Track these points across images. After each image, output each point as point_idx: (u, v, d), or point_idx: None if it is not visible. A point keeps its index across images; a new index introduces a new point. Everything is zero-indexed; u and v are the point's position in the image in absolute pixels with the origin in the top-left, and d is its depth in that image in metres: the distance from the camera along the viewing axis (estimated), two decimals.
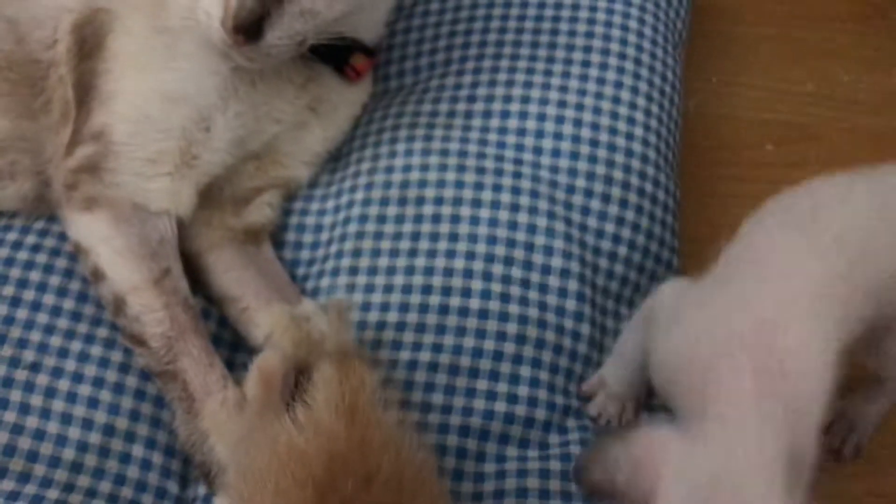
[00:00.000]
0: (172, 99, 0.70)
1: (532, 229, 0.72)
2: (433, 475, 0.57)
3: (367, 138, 0.79)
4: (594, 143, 0.76)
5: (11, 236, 0.73)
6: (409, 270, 0.72)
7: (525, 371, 0.68)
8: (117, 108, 0.70)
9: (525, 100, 0.78)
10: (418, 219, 0.74)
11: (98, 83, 0.71)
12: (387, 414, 0.57)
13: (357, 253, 0.74)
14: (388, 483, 0.52)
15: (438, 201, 0.74)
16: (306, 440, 0.54)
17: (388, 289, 0.72)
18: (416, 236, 0.73)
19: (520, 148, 0.76)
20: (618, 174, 0.75)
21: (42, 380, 0.67)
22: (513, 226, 0.72)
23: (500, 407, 0.68)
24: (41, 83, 0.71)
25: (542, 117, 0.77)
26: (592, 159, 0.76)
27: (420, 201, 0.74)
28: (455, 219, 0.73)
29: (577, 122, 0.77)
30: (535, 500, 0.65)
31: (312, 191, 0.79)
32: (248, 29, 0.63)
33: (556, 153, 0.76)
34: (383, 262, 0.73)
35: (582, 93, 0.78)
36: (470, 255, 0.72)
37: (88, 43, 0.71)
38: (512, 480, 0.65)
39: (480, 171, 0.75)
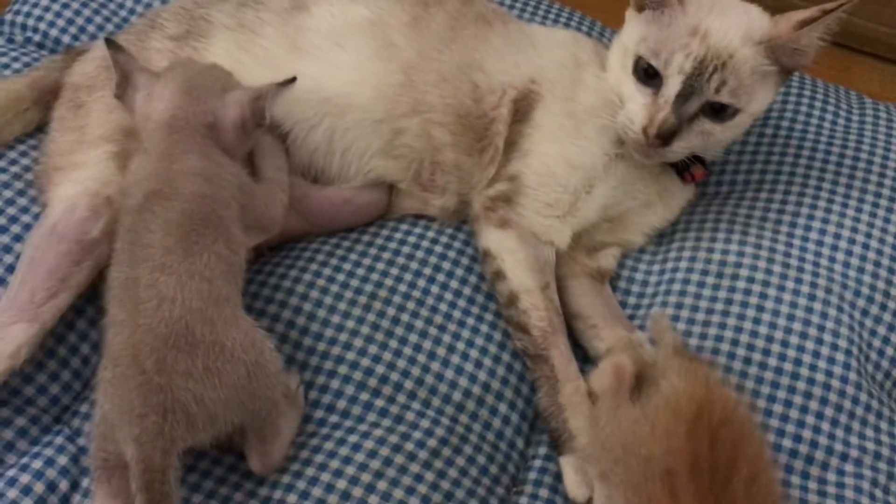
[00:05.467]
0: (572, 165, 0.96)
1: (824, 316, 0.92)
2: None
3: (691, 224, 1.02)
4: (877, 263, 0.97)
5: (430, 234, 0.98)
6: (721, 326, 0.93)
7: (810, 419, 0.87)
8: (531, 163, 0.96)
9: (825, 220, 1.00)
10: (731, 289, 0.95)
11: (520, 141, 0.97)
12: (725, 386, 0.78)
13: (678, 307, 0.95)
14: (737, 426, 0.72)
15: (750, 280, 0.95)
16: (674, 396, 0.75)
17: (703, 336, 0.92)
18: (728, 301, 0.94)
19: (818, 254, 0.97)
20: (895, 290, 0.96)
21: (445, 338, 0.91)
22: (809, 310, 0.93)
23: (787, 443, 0.86)
24: (483, 132, 0.98)
25: (837, 236, 0.98)
26: (875, 275, 0.96)
27: (734, 277, 0.96)
28: (763, 296, 0.94)
29: (866, 245, 0.98)
30: None
31: (641, 255, 1.02)
32: (665, 138, 0.88)
33: (846, 264, 0.97)
34: (699, 315, 0.94)
35: (871, 224, 0.99)
36: (772, 326, 0.92)
37: (520, 112, 0.98)
38: None
39: (786, 265, 0.96)
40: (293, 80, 0.88)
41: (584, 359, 0.93)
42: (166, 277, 0.76)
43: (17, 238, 0.90)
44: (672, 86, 0.88)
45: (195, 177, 0.83)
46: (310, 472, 0.80)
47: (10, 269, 0.88)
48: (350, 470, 0.80)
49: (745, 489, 0.68)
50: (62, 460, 0.81)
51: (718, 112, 0.90)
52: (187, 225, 0.79)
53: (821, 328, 0.92)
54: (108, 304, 0.77)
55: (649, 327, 0.91)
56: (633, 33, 0.93)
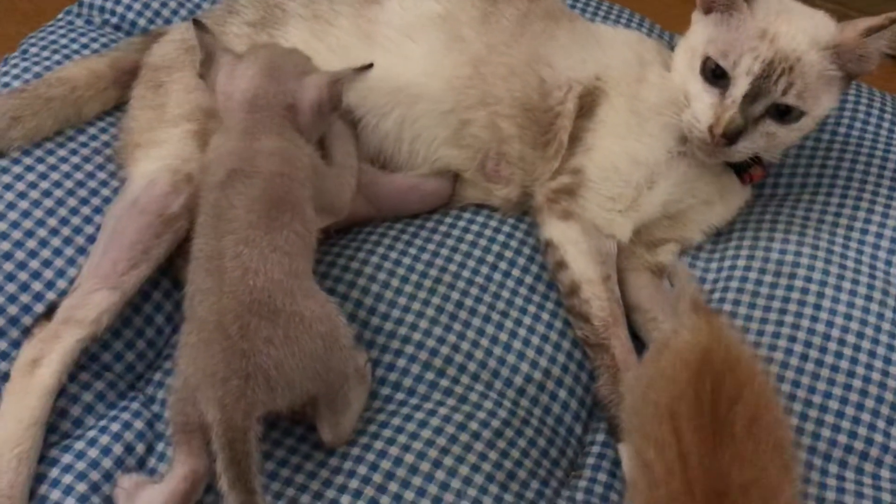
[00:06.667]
0: (635, 161, 0.98)
1: (881, 317, 0.94)
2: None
3: (748, 224, 1.04)
4: None
5: (492, 223, 1.01)
6: (779, 323, 0.94)
7: (865, 417, 0.88)
8: (595, 157, 0.98)
9: (882, 225, 1.01)
10: (789, 288, 0.96)
11: (584, 136, 1.00)
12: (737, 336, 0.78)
13: (736, 304, 0.97)
14: (741, 371, 0.72)
15: (808, 279, 0.96)
16: (680, 346, 0.75)
17: (760, 333, 0.94)
18: (786, 300, 0.96)
19: (875, 257, 0.99)
20: None
21: (508, 324, 0.93)
22: (865, 310, 0.94)
23: (842, 439, 0.87)
24: (548, 126, 1.00)
25: (894, 240, 1.00)
26: None
27: (792, 276, 0.97)
28: (819, 295, 0.95)
29: None
30: None
31: (699, 252, 1.04)
32: (730, 137, 0.90)
33: None
34: (757, 313, 0.95)
35: None
36: (829, 324, 0.93)
37: (585, 107, 1.00)
38: (850, 497, 0.84)
39: (843, 266, 0.97)
40: (370, 66, 0.90)
41: (642, 350, 0.95)
42: (250, 250, 0.78)
43: (98, 210, 0.93)
44: (740, 86, 0.90)
45: (274, 156, 0.86)
46: (378, 445, 0.82)
47: (91, 239, 0.91)
48: (417, 445, 0.82)
49: (744, 427, 0.69)
50: (138, 424, 0.83)
51: (784, 114, 0.91)
52: (268, 202, 0.82)
53: (877, 329, 0.93)
54: (191, 273, 0.80)
55: (670, 274, 0.93)
56: (701, 34, 0.95)
